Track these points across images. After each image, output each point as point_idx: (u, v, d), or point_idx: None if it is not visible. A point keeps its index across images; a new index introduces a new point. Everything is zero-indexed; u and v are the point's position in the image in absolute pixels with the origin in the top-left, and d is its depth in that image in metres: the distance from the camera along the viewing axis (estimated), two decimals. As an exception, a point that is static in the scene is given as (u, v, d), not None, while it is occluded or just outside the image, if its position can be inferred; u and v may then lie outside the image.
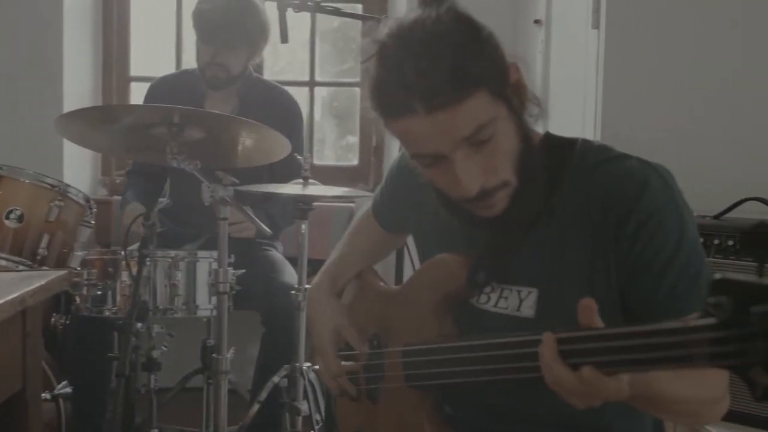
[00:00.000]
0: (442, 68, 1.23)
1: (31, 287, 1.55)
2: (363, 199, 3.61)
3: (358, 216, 1.85)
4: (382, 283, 1.73)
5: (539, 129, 1.42)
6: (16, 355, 1.58)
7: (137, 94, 3.96)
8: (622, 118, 2.69)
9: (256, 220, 2.30)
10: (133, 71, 3.99)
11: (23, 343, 1.58)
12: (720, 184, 2.53)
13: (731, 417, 1.67)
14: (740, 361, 0.81)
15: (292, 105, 3.17)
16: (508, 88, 1.31)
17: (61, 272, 1.64)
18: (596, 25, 2.71)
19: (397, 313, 1.56)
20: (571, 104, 2.89)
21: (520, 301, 1.39)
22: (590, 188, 1.35)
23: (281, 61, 4.22)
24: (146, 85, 3.30)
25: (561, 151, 1.40)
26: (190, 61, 3.82)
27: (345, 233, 1.85)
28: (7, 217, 2.36)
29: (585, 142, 1.41)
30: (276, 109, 3.07)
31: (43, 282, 1.60)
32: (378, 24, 2.25)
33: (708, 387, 1.26)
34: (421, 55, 1.24)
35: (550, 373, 1.09)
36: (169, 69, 3.86)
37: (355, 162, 4.13)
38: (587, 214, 1.34)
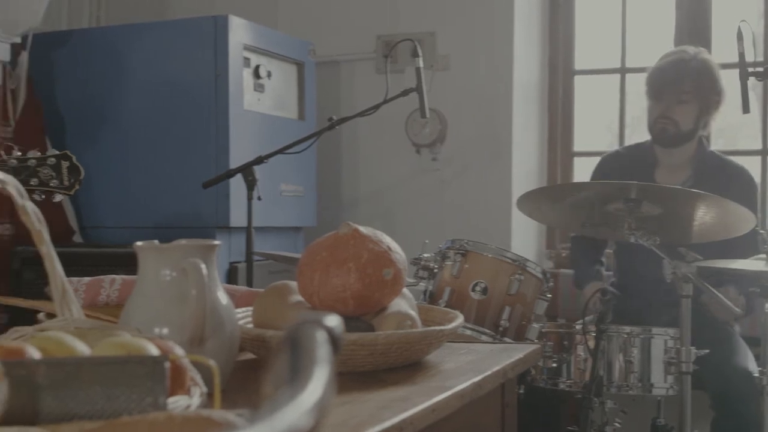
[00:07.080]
0: None
1: (511, 360, 1.61)
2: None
3: None
4: None
5: None
6: (495, 426, 1.65)
7: (580, 170, 4.03)
8: None
9: (724, 299, 2.20)
10: (576, 147, 4.08)
11: (502, 415, 1.65)
12: None
13: None
14: None
15: (748, 179, 3.00)
16: None
17: (535, 346, 1.70)
18: None
19: None
20: None
21: None
22: None
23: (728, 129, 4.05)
24: (588, 160, 3.34)
25: None
26: (631, 137, 3.82)
27: None
28: (473, 290, 2.52)
29: None
30: (732, 183, 2.90)
31: (521, 355, 1.66)
32: None
33: None
34: None
35: None
36: (612, 144, 3.90)
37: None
38: None
